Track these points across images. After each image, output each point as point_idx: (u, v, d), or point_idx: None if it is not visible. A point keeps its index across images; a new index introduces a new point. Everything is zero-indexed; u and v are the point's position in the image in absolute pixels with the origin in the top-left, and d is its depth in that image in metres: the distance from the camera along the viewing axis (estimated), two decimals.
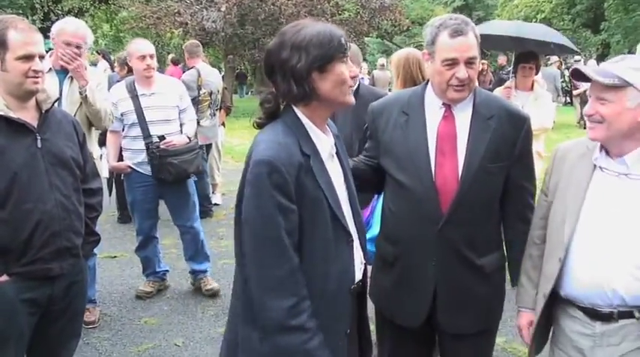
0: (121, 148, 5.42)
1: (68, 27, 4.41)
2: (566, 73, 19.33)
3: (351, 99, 2.17)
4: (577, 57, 17.70)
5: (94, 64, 12.10)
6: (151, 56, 5.21)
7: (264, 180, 1.96)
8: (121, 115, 5.19)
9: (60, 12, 26.23)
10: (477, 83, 2.69)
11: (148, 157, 5.17)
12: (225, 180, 9.49)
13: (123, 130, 5.31)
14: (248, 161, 2.05)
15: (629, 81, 2.15)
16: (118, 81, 7.41)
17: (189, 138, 5.42)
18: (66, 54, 4.28)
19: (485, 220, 2.68)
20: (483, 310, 2.76)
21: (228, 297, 5.30)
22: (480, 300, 2.71)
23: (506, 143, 2.64)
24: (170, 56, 17.21)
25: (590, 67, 2.29)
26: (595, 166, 2.33)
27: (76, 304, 3.10)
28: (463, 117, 2.64)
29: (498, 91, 6.37)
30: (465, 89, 2.57)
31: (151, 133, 5.18)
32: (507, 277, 2.91)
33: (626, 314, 2.25)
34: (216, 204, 8.67)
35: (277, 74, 2.08)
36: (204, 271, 5.65)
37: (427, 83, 2.76)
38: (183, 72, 8.58)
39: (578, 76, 2.28)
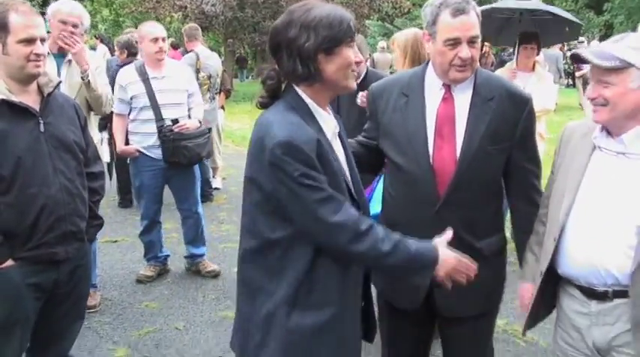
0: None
1: (64, 7, 4.39)
2: (569, 54, 19.23)
3: (353, 84, 2.17)
4: (581, 38, 17.60)
5: (92, 48, 12.05)
6: (163, 39, 5.23)
7: (289, 160, 1.96)
8: (131, 98, 5.20)
9: None
10: (478, 64, 2.64)
11: (160, 141, 5.17)
12: (226, 164, 9.48)
13: (129, 114, 5.30)
14: (260, 144, 2.01)
15: (631, 62, 2.12)
16: (118, 65, 7.40)
17: (200, 122, 5.44)
18: (66, 36, 4.25)
19: (484, 202, 2.66)
20: (482, 293, 2.70)
21: (229, 280, 5.40)
22: (478, 283, 2.61)
23: (507, 124, 2.60)
24: (169, 40, 17.13)
25: (589, 50, 2.25)
26: (595, 145, 2.32)
27: (81, 288, 3.11)
28: (463, 98, 2.61)
29: (501, 72, 6.34)
30: (468, 69, 2.53)
31: (164, 117, 5.18)
32: (510, 259, 2.90)
33: (621, 293, 2.24)
34: (216, 188, 8.66)
35: (283, 52, 2.06)
36: (202, 255, 5.68)
37: (427, 64, 2.72)
38: (183, 56, 8.54)
39: (578, 59, 2.25)
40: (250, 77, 38.12)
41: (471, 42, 2.49)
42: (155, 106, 5.16)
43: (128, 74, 5.28)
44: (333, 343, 2.14)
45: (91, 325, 4.58)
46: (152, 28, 5.28)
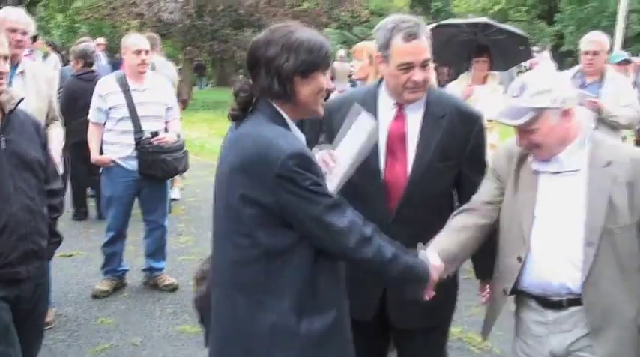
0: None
1: (10, 15, 4.31)
2: (524, 64, 19.63)
3: (322, 110, 2.25)
4: (535, 47, 17.97)
5: (46, 56, 11.86)
6: (147, 52, 5.20)
7: (301, 171, 2.03)
8: (109, 108, 5.16)
9: (10, 1, 25.61)
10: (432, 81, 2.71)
11: (138, 153, 5.14)
12: (185, 174, 9.40)
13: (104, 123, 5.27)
14: (263, 159, 2.03)
15: (542, 106, 2.25)
16: (73, 76, 7.31)
17: (178, 135, 5.43)
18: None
19: (434, 217, 2.69)
20: (434, 305, 2.70)
21: (187, 293, 5.36)
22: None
23: (457, 142, 2.67)
24: None
25: (502, 114, 2.35)
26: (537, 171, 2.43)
27: (41, 306, 3.08)
28: (415, 117, 2.67)
29: (457, 84, 6.45)
30: (421, 90, 2.60)
31: (143, 129, 5.15)
32: (465, 266, 2.96)
33: (575, 301, 2.35)
34: (174, 199, 8.57)
35: (261, 68, 2.12)
36: (161, 269, 5.63)
37: (381, 81, 2.77)
38: None
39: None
40: (209, 85, 37.92)
41: (424, 65, 2.55)
42: (135, 118, 5.13)
43: (108, 84, 5.25)
44: (340, 345, 2.23)
45: (45, 343, 4.44)
46: (136, 40, 5.26)
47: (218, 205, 2.24)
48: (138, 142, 5.13)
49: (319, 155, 2.47)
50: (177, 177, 8.60)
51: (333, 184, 2.42)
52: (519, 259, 2.41)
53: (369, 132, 2.41)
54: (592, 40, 5.56)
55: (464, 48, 6.56)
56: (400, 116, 2.68)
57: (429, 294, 2.33)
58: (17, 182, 2.81)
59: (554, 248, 2.35)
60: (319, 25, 24.42)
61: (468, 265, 2.98)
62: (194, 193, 9.18)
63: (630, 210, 2.26)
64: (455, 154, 2.68)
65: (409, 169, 2.64)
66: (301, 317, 2.11)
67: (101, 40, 15.78)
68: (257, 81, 2.15)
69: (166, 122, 5.39)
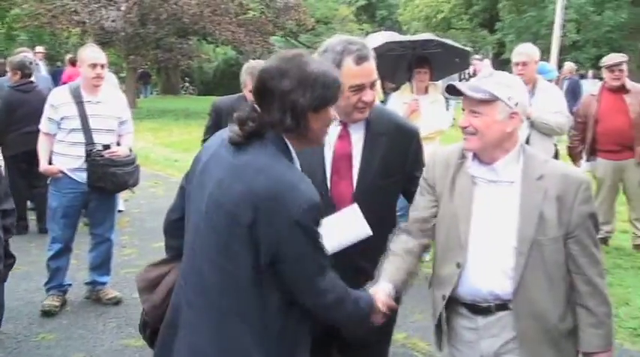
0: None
1: None
2: (467, 70, 20.03)
3: (325, 140, 2.29)
4: (477, 55, 18.38)
5: None
6: (102, 66, 5.15)
7: (315, 221, 2.05)
8: (61, 119, 5.08)
9: None
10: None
11: (88, 165, 5.07)
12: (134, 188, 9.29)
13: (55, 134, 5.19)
14: (281, 199, 1.98)
15: (498, 96, 2.33)
16: (10, 87, 7.16)
17: (130, 149, 5.39)
18: None
19: (380, 232, 2.72)
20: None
21: (130, 307, 5.31)
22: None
23: (397, 158, 2.75)
24: (68, 56, 16.54)
25: (464, 84, 2.43)
26: (471, 175, 2.49)
27: None
28: (358, 135, 2.73)
29: (398, 94, 6.55)
30: (368, 109, 2.66)
31: (94, 141, 5.09)
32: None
33: (502, 307, 2.46)
34: (119, 211, 8.45)
35: (274, 101, 2.05)
36: (104, 284, 5.55)
37: None
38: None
39: (454, 91, 2.41)
40: (155, 93, 37.49)
41: (372, 85, 2.62)
42: (87, 130, 5.07)
43: (61, 95, 5.18)
44: None
45: None
46: (92, 53, 5.20)
47: (204, 226, 2.14)
48: (89, 154, 5.07)
49: None
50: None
51: None
52: (458, 265, 2.48)
53: (358, 237, 2.55)
54: (521, 51, 5.73)
55: (400, 61, 6.66)
56: (345, 135, 2.73)
57: (377, 321, 2.41)
58: None
59: (487, 256, 2.43)
60: (265, 33, 24.55)
61: None
62: (139, 204, 9.07)
63: (559, 223, 2.36)
64: (397, 171, 2.76)
65: (354, 186, 2.70)
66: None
67: (40, 49, 15.47)
68: (267, 112, 2.07)
69: (119, 136, 5.35)
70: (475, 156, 2.48)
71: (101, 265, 5.51)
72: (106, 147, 5.14)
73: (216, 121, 4.87)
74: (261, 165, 2.04)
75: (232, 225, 2.03)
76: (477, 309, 2.51)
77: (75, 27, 22.11)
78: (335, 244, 2.47)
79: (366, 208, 2.63)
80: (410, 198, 2.83)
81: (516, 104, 2.35)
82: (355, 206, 2.61)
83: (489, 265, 2.43)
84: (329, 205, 2.64)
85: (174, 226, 2.46)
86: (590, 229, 2.41)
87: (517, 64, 5.63)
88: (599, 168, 6.81)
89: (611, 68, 6.61)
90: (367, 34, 30.09)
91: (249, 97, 4.33)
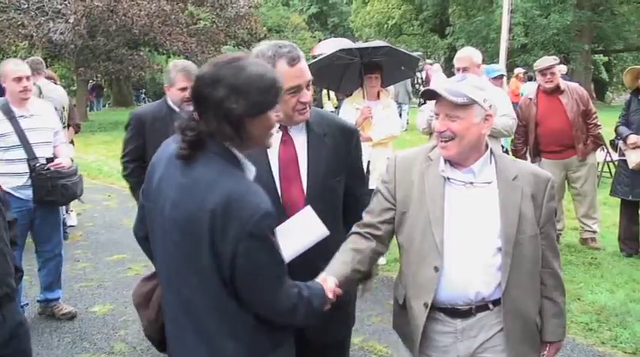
0: None
1: None
2: (419, 75, 20.33)
3: (271, 143, 2.24)
4: (429, 60, 18.63)
5: None
6: (28, 78, 4.99)
7: (269, 230, 2.02)
8: None
9: None
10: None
11: (34, 180, 4.92)
12: (83, 199, 9.15)
13: None
14: (229, 213, 1.96)
15: (475, 99, 2.37)
16: None
17: (71, 159, 5.29)
18: None
19: (335, 231, 2.72)
20: (343, 316, 2.85)
21: (85, 321, 5.26)
22: (340, 307, 2.74)
23: (341, 156, 2.77)
24: None
25: (443, 87, 2.43)
26: (444, 178, 2.50)
27: (23, 348, 2.92)
28: (300, 138, 2.72)
29: (350, 100, 6.59)
30: (308, 110, 2.65)
31: (37, 156, 4.95)
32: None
33: (482, 308, 2.48)
34: (71, 226, 8.33)
35: (210, 110, 2.00)
36: (58, 299, 5.45)
37: None
38: None
39: (432, 95, 2.43)
40: (107, 105, 36.99)
41: (308, 85, 2.63)
42: (27, 145, 4.92)
43: None
44: None
45: None
46: (15, 67, 5.03)
47: (170, 245, 2.12)
48: (33, 170, 4.93)
49: None
50: (71, 203, 8.40)
51: None
52: (436, 269, 2.46)
53: (316, 238, 2.53)
54: (460, 57, 5.79)
55: (347, 70, 6.69)
56: (287, 140, 2.71)
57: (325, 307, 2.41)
58: None
59: (467, 258, 2.43)
60: (217, 43, 24.45)
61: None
62: (92, 217, 8.94)
63: (536, 221, 2.44)
64: (342, 169, 2.77)
65: (305, 189, 2.69)
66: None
67: None
68: (205, 120, 2.02)
69: (54, 147, 5.22)
70: (447, 160, 2.49)
71: (53, 282, 5.41)
72: (50, 160, 5.03)
73: (139, 132, 4.53)
74: (209, 180, 2.01)
75: (194, 243, 2.01)
76: (457, 312, 2.50)
77: (22, 41, 21.62)
78: (294, 249, 2.48)
79: (320, 209, 2.60)
80: (351, 192, 2.85)
81: (490, 106, 2.41)
82: (309, 208, 2.58)
83: (471, 267, 2.43)
84: (281, 212, 2.63)
85: (145, 244, 2.43)
86: (554, 224, 2.56)
87: (458, 69, 5.70)
88: (544, 168, 6.91)
89: (543, 72, 6.78)
90: (319, 41, 30.32)
91: (177, 95, 4.34)
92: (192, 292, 2.08)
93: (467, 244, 2.43)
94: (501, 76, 8.31)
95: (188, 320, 2.13)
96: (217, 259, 1.99)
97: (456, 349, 2.52)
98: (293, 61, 2.55)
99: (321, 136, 2.73)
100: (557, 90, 6.78)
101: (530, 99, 6.96)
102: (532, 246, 2.44)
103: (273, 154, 2.68)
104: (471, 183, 2.46)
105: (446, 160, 2.49)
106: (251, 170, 2.18)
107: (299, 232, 2.55)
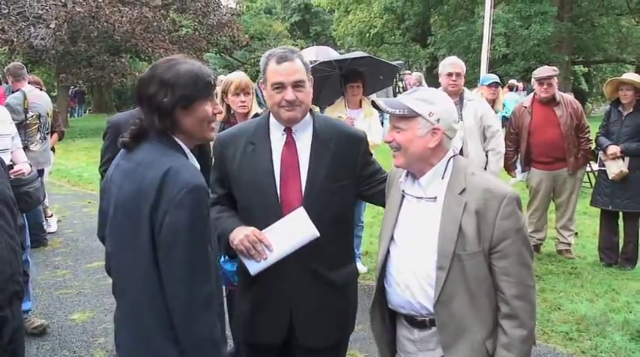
0: None
1: None
2: (400, 84, 20.41)
3: (212, 135, 2.38)
4: (407, 71, 18.71)
5: None
6: None
7: (201, 203, 2.13)
8: None
9: None
10: (309, 105, 2.86)
11: None
12: (62, 205, 9.10)
13: None
14: (163, 187, 2.09)
15: (417, 111, 2.38)
16: None
17: (30, 165, 5.12)
18: None
19: (334, 236, 2.80)
20: (338, 322, 2.93)
21: (64, 329, 5.22)
22: (334, 313, 2.88)
23: (346, 163, 2.84)
24: None
25: (383, 100, 2.50)
26: (404, 193, 2.54)
27: (19, 352, 3.00)
28: (304, 142, 2.82)
29: (332, 109, 6.60)
30: (296, 109, 2.74)
31: None
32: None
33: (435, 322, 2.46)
34: (50, 233, 8.23)
35: (145, 106, 2.22)
36: (28, 311, 5.22)
37: (270, 112, 2.89)
38: (6, 94, 8.10)
39: (375, 107, 2.49)
40: (87, 111, 36.76)
41: (297, 86, 2.73)
42: None
43: None
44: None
45: None
46: None
47: (115, 227, 2.27)
48: None
49: (245, 233, 2.67)
50: (47, 209, 8.33)
51: (254, 267, 2.68)
52: (381, 276, 2.56)
53: (305, 239, 2.65)
54: (454, 62, 5.86)
55: (325, 82, 6.68)
56: (290, 142, 2.82)
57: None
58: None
59: (410, 271, 2.46)
60: (199, 50, 24.42)
61: None
62: (72, 224, 8.87)
63: (478, 238, 2.32)
64: (346, 176, 2.84)
65: (302, 191, 2.77)
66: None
67: None
68: (145, 115, 2.23)
69: (11, 153, 5.13)
70: (409, 172, 2.52)
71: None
72: (9, 168, 4.85)
73: (116, 139, 4.53)
74: (148, 161, 2.19)
75: (135, 219, 2.15)
76: (414, 322, 2.52)
77: (2, 46, 21.43)
78: (283, 248, 2.64)
79: (317, 212, 2.70)
80: (367, 200, 3.01)
81: (438, 120, 2.38)
82: (301, 209, 2.68)
83: (413, 280, 2.44)
84: (278, 212, 2.74)
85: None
86: (515, 247, 2.33)
87: (451, 74, 5.74)
88: (533, 178, 7.01)
89: (541, 81, 6.82)
90: (301, 49, 30.37)
91: None
92: (128, 272, 2.21)
93: (409, 258, 2.46)
94: (496, 84, 8.31)
95: (124, 300, 2.29)
96: (152, 233, 2.12)
97: None
98: (280, 60, 2.72)
99: (326, 142, 2.82)
100: (552, 101, 6.82)
101: (525, 107, 6.99)
102: (473, 264, 2.33)
103: (277, 155, 2.81)
104: (421, 198, 2.47)
105: (407, 173, 2.53)
106: (194, 161, 2.32)
107: (289, 231, 2.66)
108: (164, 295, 2.12)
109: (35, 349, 4.90)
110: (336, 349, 2.99)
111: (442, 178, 2.44)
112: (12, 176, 4.81)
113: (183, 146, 2.28)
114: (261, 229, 2.70)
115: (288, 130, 2.81)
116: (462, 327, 2.37)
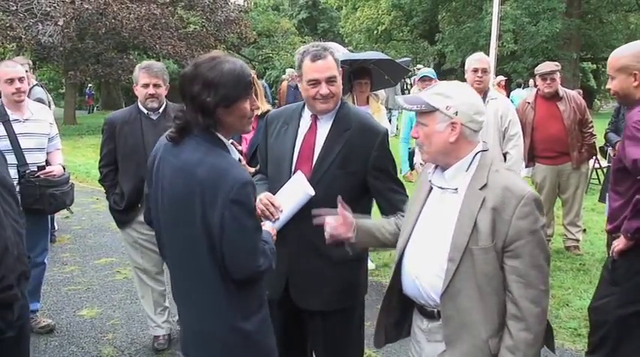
0: None
1: None
2: (408, 81, 20.39)
3: (250, 129, 2.58)
4: (419, 65, 18.68)
5: None
6: (21, 79, 4.81)
7: (249, 197, 2.33)
8: None
9: None
10: (340, 95, 3.11)
11: (22, 187, 4.74)
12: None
13: None
14: (216, 185, 2.28)
15: (435, 105, 2.38)
16: None
17: (63, 167, 5.13)
18: None
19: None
20: (336, 291, 3.14)
21: (72, 325, 5.24)
22: (331, 282, 3.12)
23: (357, 153, 3.04)
24: None
25: (403, 97, 2.52)
26: (431, 183, 2.55)
27: (26, 328, 3.18)
28: (324, 129, 3.10)
29: None
30: (330, 101, 3.03)
31: (28, 162, 4.83)
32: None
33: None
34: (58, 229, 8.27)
35: (189, 104, 2.36)
36: (36, 311, 5.23)
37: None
38: None
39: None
40: (96, 109, 36.86)
41: (330, 81, 3.00)
42: (18, 150, 4.78)
43: None
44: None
45: None
46: (7, 68, 4.85)
47: (169, 220, 2.47)
48: (22, 176, 4.79)
49: (259, 197, 2.92)
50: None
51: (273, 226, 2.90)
52: (400, 262, 2.58)
53: (303, 198, 2.94)
54: (479, 58, 5.83)
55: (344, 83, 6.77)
56: (313, 127, 3.13)
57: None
58: (3, 206, 2.87)
59: (423, 260, 2.47)
60: (207, 47, 24.40)
61: None
62: (80, 220, 8.90)
63: (491, 234, 2.31)
64: (354, 164, 3.05)
65: (312, 171, 3.05)
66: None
67: None
68: (188, 111, 2.38)
69: (48, 153, 5.09)
70: (436, 165, 2.53)
71: (32, 291, 5.08)
72: (41, 168, 4.89)
73: (111, 136, 4.61)
74: (197, 160, 2.35)
75: (188, 214, 2.35)
76: (424, 312, 2.54)
77: (11, 43, 21.42)
78: (289, 206, 2.95)
79: (323, 193, 2.95)
80: (374, 193, 3.11)
81: (456, 113, 2.36)
82: (299, 172, 3.00)
83: (426, 270, 2.45)
84: None
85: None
86: (528, 248, 2.30)
87: (476, 70, 5.72)
88: (538, 173, 7.01)
89: (543, 76, 6.81)
90: None
91: (141, 92, 4.49)
92: (187, 262, 2.45)
93: (425, 248, 2.48)
94: (429, 79, 8.25)
95: (184, 287, 2.54)
96: (207, 226, 2.32)
97: (425, 347, 2.58)
98: (315, 58, 2.99)
99: (342, 131, 3.07)
100: (555, 96, 6.81)
101: (529, 103, 6.98)
102: (484, 259, 2.32)
103: (300, 138, 3.14)
104: (444, 189, 2.47)
105: (435, 165, 2.53)
106: (235, 153, 2.49)
107: (289, 193, 2.98)
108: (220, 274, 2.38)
109: (44, 344, 4.93)
110: (340, 315, 3.20)
111: (467, 170, 2.43)
112: (41, 177, 4.84)
113: (224, 140, 2.43)
114: None
115: (313, 117, 3.12)
116: (467, 322, 2.37)
